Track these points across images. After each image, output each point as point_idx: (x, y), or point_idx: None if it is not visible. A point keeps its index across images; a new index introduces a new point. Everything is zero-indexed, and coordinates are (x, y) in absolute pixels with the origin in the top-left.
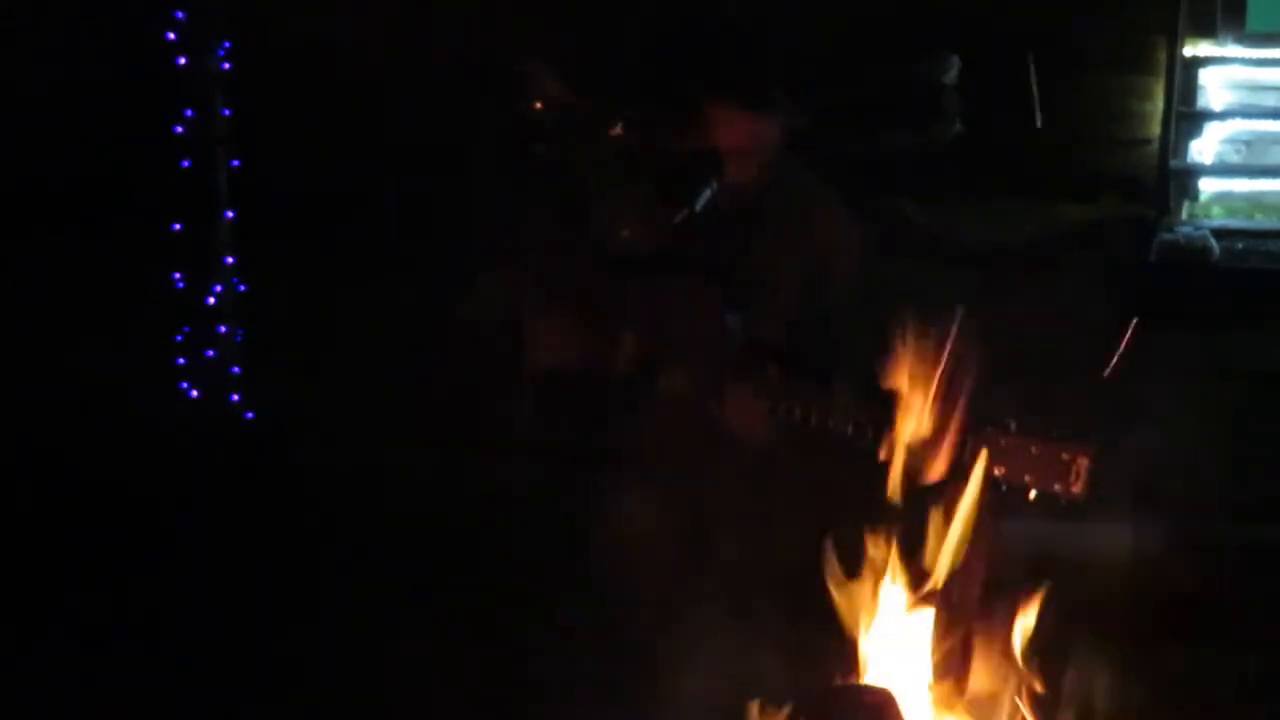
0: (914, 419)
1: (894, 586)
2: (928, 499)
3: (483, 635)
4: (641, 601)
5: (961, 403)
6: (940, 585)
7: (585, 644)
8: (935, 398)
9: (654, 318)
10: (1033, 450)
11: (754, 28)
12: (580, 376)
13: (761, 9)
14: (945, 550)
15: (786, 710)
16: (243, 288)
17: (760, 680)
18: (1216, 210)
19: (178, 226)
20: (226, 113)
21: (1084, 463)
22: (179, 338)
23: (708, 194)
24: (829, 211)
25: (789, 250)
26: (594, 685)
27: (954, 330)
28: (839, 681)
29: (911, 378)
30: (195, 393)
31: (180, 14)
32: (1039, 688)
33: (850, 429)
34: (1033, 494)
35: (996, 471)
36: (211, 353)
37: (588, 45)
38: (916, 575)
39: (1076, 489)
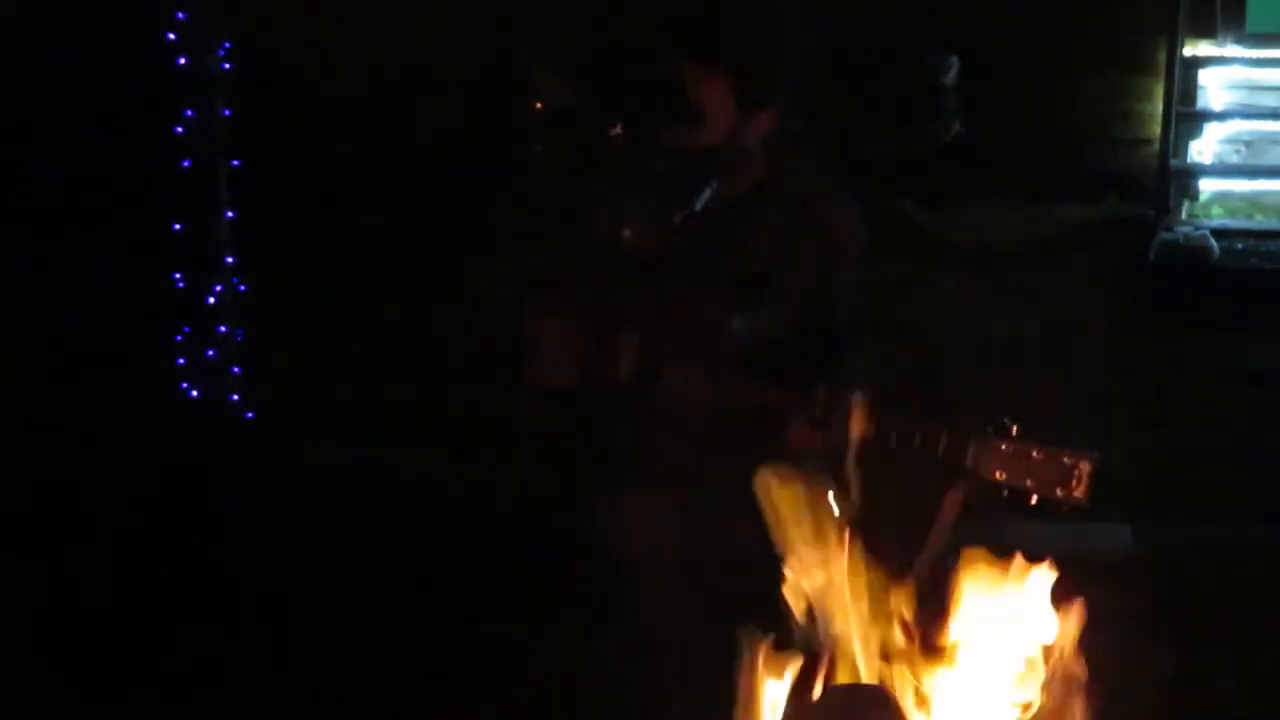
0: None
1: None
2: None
3: (482, 637)
4: (644, 607)
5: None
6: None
7: (585, 649)
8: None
9: (656, 317)
10: (1034, 455)
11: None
12: (582, 379)
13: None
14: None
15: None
16: (243, 288)
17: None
18: (1216, 210)
19: (178, 226)
20: (226, 113)
21: (1085, 467)
22: (179, 338)
23: (708, 194)
24: (833, 203)
25: (793, 243)
26: (593, 690)
27: None
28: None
29: None
30: (195, 393)
31: (180, 14)
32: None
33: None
34: (1034, 499)
35: (998, 476)
36: (211, 353)
37: (588, 45)
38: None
39: (1078, 494)
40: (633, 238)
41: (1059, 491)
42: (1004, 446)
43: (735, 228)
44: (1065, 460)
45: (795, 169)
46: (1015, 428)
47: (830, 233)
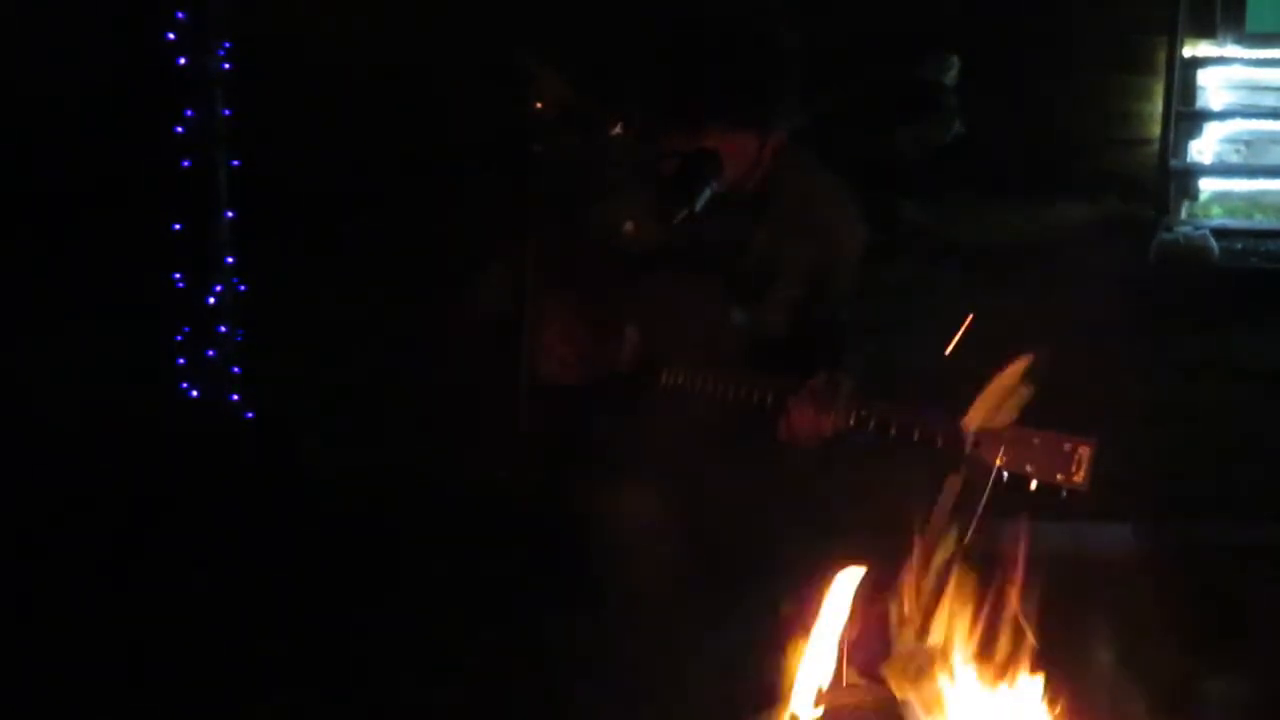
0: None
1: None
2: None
3: (482, 635)
4: (642, 601)
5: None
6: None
7: (585, 644)
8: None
9: (657, 312)
10: (1035, 441)
11: (760, 35)
12: (582, 372)
13: (760, 10)
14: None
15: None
16: (243, 288)
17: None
18: (1216, 210)
19: (178, 226)
20: (226, 113)
21: (1085, 452)
22: (179, 338)
23: (707, 194)
24: (833, 202)
25: (794, 241)
26: (593, 686)
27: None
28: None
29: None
30: (195, 393)
31: (180, 14)
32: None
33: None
34: (1034, 484)
35: (998, 462)
36: (211, 353)
37: (588, 45)
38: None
39: (1078, 479)
40: (635, 232)
41: (1059, 477)
42: (1004, 432)
43: (738, 225)
44: (1065, 446)
45: (798, 168)
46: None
47: (831, 231)
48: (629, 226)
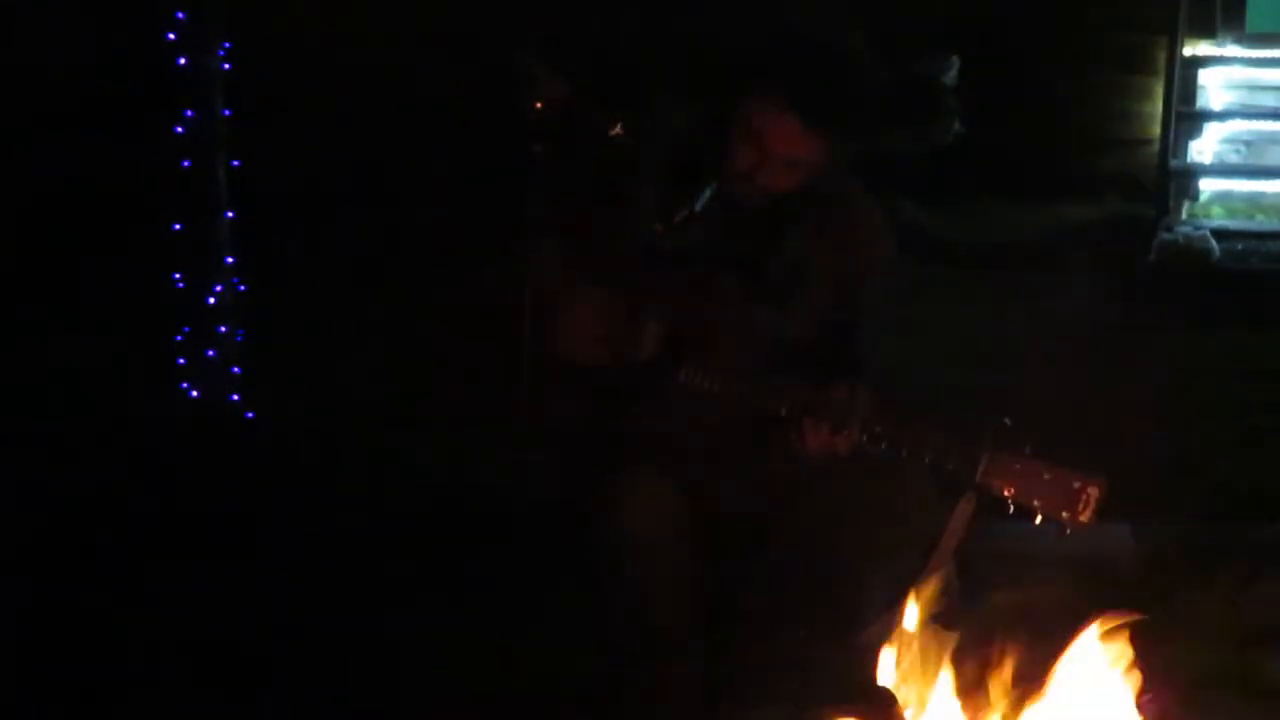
0: None
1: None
2: None
3: (486, 632)
4: (651, 598)
5: None
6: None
7: (591, 642)
8: None
9: (682, 308)
10: (1045, 476)
11: (853, 47)
12: (600, 363)
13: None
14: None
15: None
16: (243, 288)
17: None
18: (1216, 210)
19: (178, 226)
20: (226, 113)
21: (1094, 493)
22: (179, 338)
23: (707, 194)
24: (866, 213)
25: (827, 247)
26: (598, 683)
27: None
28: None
29: None
30: (195, 393)
31: (180, 14)
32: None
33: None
34: (1039, 519)
35: (1006, 493)
36: (211, 353)
37: (588, 45)
38: None
39: (1084, 518)
40: (663, 230)
41: (1064, 514)
42: (1016, 465)
43: (772, 227)
44: (1075, 484)
45: (836, 176)
46: (1028, 446)
47: (865, 241)
48: (660, 222)
